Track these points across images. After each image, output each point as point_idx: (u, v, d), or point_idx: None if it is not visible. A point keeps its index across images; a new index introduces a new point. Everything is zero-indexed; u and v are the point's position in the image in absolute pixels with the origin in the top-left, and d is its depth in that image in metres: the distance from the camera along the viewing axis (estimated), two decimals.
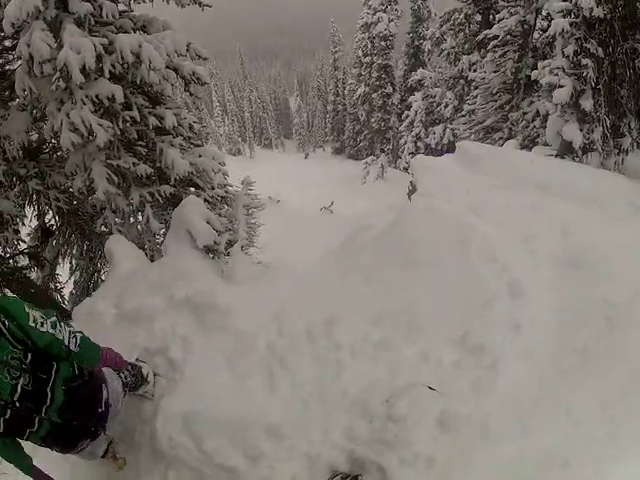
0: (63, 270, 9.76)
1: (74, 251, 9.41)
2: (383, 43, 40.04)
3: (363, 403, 3.70)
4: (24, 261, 8.59)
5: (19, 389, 2.76)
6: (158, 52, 6.52)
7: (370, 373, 3.87)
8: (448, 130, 28.85)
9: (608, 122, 8.40)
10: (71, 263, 9.71)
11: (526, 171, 6.50)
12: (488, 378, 3.74)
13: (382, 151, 40.98)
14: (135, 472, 3.92)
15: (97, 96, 6.42)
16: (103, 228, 8.24)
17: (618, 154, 8.57)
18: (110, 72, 6.44)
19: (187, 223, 5.46)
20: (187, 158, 7.61)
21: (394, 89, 42.13)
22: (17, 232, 8.40)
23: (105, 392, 3.37)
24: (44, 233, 8.96)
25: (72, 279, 10.00)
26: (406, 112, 34.96)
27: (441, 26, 25.81)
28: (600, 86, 8.25)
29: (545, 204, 5.43)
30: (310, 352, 4.07)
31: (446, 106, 29.12)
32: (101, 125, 6.48)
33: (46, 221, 8.86)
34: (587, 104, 8.33)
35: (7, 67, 7.31)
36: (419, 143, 32.74)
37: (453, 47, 25.34)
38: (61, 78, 6.03)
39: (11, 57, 7.25)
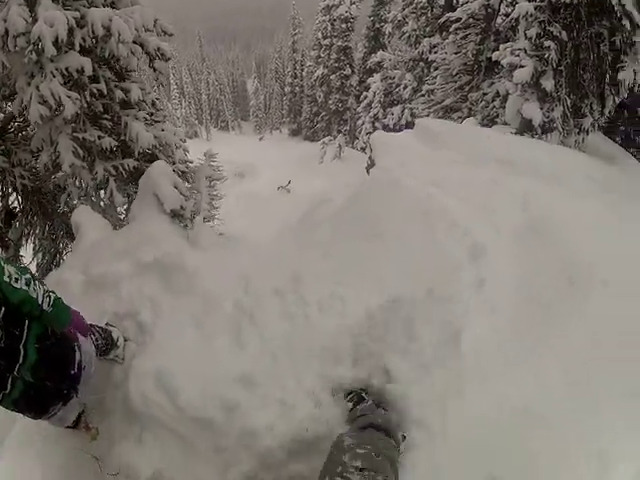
0: (26, 252, 9.71)
1: (37, 231, 9.36)
2: (344, 25, 40.06)
3: (334, 348, 3.73)
4: None
5: None
6: (127, 25, 6.57)
7: (339, 326, 3.84)
8: (407, 110, 28.87)
9: (569, 102, 8.48)
10: (34, 243, 9.64)
11: (487, 147, 6.54)
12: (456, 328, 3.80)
13: (339, 132, 41.02)
14: (108, 441, 3.81)
15: (67, 69, 6.46)
16: (66, 208, 8.30)
17: (579, 133, 8.68)
18: (80, 45, 6.49)
19: (154, 186, 5.35)
20: (151, 131, 7.72)
21: (353, 71, 42.20)
22: None
23: (78, 354, 3.35)
24: (7, 215, 8.86)
25: (35, 262, 9.92)
26: (364, 93, 34.92)
27: (403, 9, 26.01)
28: (562, 67, 8.30)
29: (506, 180, 5.47)
30: (278, 308, 4.04)
31: (405, 87, 29.10)
32: (69, 97, 6.51)
33: (10, 203, 8.79)
34: (548, 84, 8.37)
35: None
36: (377, 124, 32.67)
37: (414, 30, 25.51)
38: (34, 51, 6.08)
39: None
